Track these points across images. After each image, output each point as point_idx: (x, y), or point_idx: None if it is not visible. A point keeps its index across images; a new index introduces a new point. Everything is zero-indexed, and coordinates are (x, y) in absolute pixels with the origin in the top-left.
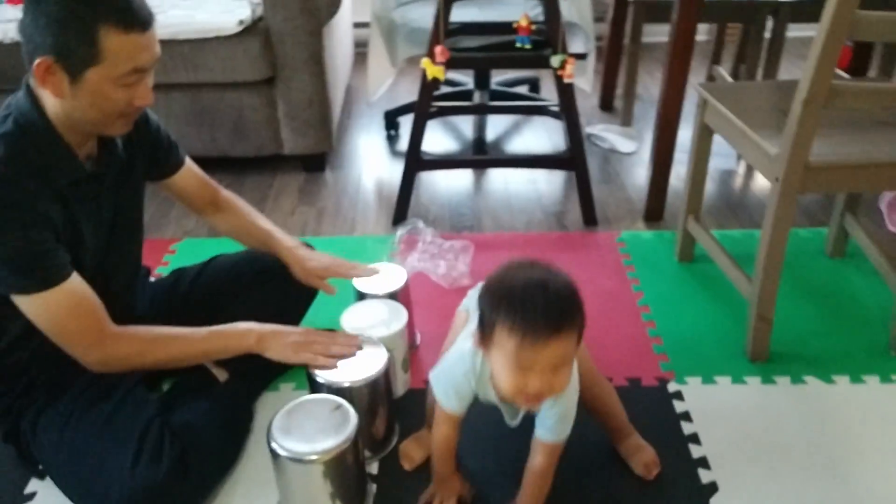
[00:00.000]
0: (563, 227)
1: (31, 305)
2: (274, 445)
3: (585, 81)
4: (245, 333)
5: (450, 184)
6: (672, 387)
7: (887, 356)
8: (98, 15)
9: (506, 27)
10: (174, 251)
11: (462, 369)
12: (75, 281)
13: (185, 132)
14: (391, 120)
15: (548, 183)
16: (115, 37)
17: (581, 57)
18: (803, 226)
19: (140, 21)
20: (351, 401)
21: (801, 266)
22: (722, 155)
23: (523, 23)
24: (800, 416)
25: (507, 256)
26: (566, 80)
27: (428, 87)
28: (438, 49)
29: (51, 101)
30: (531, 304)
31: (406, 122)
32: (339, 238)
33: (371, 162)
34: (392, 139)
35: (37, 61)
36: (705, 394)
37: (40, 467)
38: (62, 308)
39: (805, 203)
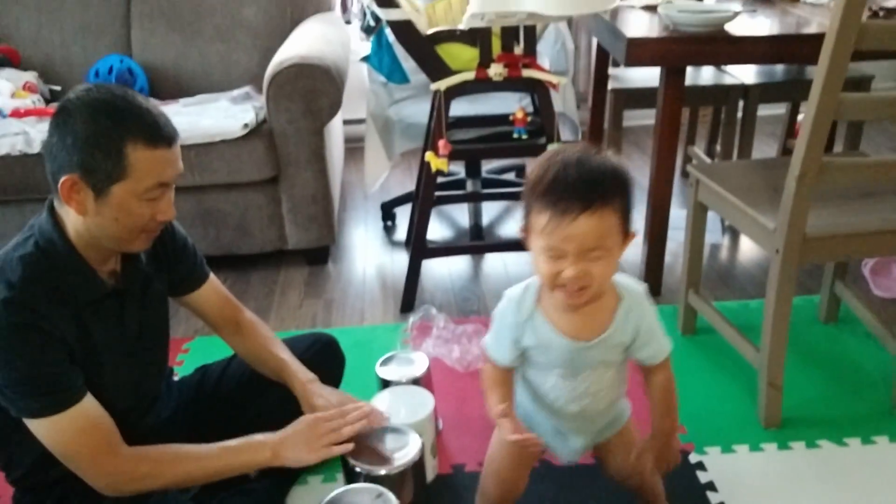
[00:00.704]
0: None
1: (40, 428)
2: None
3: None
4: (259, 448)
5: (451, 270)
6: (693, 457)
7: (893, 416)
8: (126, 131)
9: (497, 119)
10: (187, 350)
11: (511, 309)
12: (86, 403)
13: (190, 232)
14: (388, 211)
15: None
16: (141, 152)
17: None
18: (795, 294)
19: (166, 137)
20: (389, 489)
21: (798, 333)
22: (708, 230)
23: (520, 115)
24: (818, 480)
25: None
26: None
27: (431, 178)
28: (442, 142)
29: (72, 222)
30: (562, 178)
31: (401, 213)
32: (350, 328)
33: (372, 253)
34: (389, 230)
35: (62, 179)
36: (726, 463)
37: None
38: (72, 431)
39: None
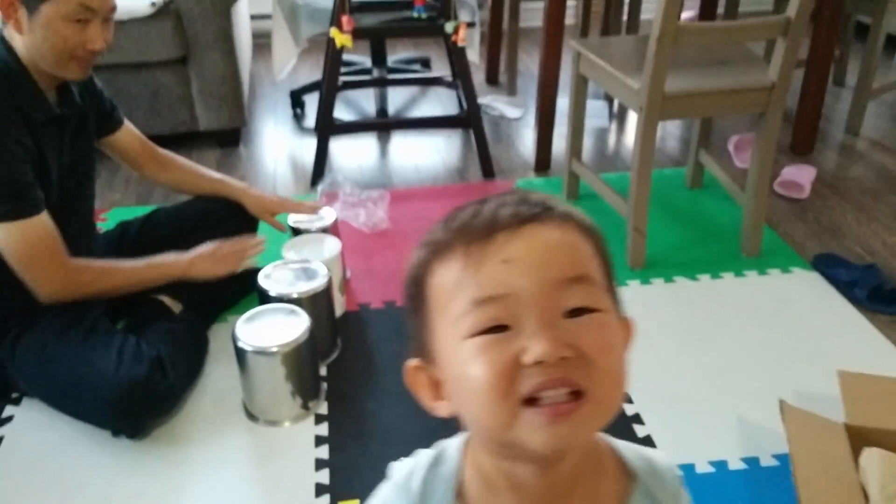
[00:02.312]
0: (465, 180)
1: (4, 233)
2: (240, 344)
3: (473, 53)
4: (176, 262)
5: (358, 152)
6: None
7: (740, 258)
8: None
9: (400, 4)
10: (105, 219)
11: None
12: (45, 217)
13: None
14: (297, 98)
15: (447, 146)
16: None
17: (470, 25)
18: (666, 167)
19: None
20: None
21: (666, 197)
22: (597, 116)
23: None
24: (673, 306)
25: (419, 206)
26: (460, 44)
27: (337, 55)
28: (345, 18)
29: (20, 45)
30: (481, 211)
31: (311, 101)
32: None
33: (282, 137)
34: (298, 117)
35: None
36: None
37: (13, 395)
38: (32, 238)
39: (668, 148)
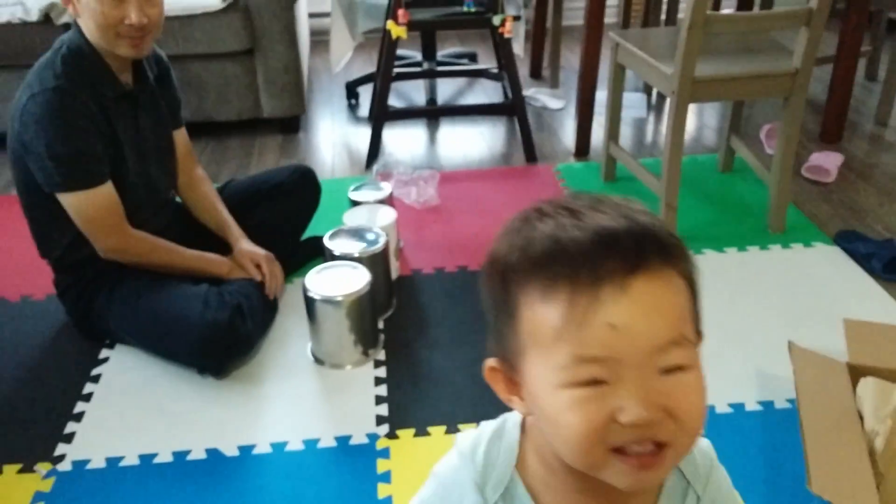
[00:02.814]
0: (509, 164)
1: (70, 201)
2: (310, 294)
3: (518, 46)
4: (221, 264)
5: (409, 139)
6: None
7: (765, 234)
8: None
9: (451, 0)
10: None
11: (462, 480)
12: (108, 187)
13: None
14: (352, 90)
15: (492, 133)
16: None
17: (516, 18)
18: (700, 153)
19: None
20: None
21: (699, 180)
22: (635, 107)
23: None
24: (704, 274)
25: (467, 186)
26: (506, 36)
27: (392, 45)
28: (401, 12)
29: (84, 29)
30: (566, 236)
31: (365, 92)
32: (323, 180)
33: (338, 125)
34: (353, 107)
35: None
36: None
37: (107, 341)
38: (95, 206)
39: (702, 137)
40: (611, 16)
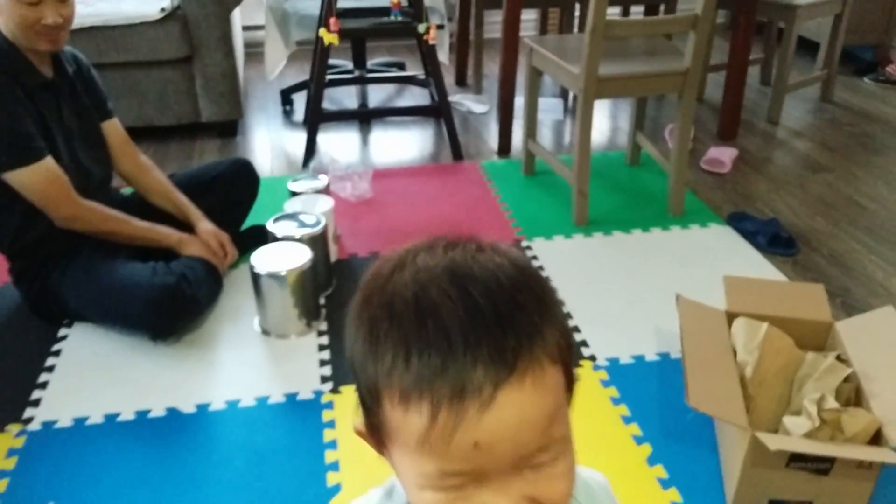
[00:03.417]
0: (437, 162)
1: (18, 178)
2: (255, 270)
3: (443, 54)
4: (171, 235)
5: (342, 142)
6: (524, 243)
7: (667, 217)
8: None
9: (379, 11)
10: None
11: None
12: (51, 161)
13: (116, 105)
14: (286, 97)
15: (421, 136)
16: None
17: (439, 27)
18: (610, 150)
19: None
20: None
21: (609, 173)
22: (553, 111)
23: (395, 0)
24: (610, 252)
25: (399, 181)
26: (431, 42)
27: (325, 52)
28: (332, 20)
29: (3, 26)
30: (434, 311)
31: (299, 99)
32: (264, 179)
33: (274, 129)
34: (288, 113)
35: None
36: (546, 245)
37: (65, 321)
38: (42, 179)
39: (614, 136)
40: (530, 29)
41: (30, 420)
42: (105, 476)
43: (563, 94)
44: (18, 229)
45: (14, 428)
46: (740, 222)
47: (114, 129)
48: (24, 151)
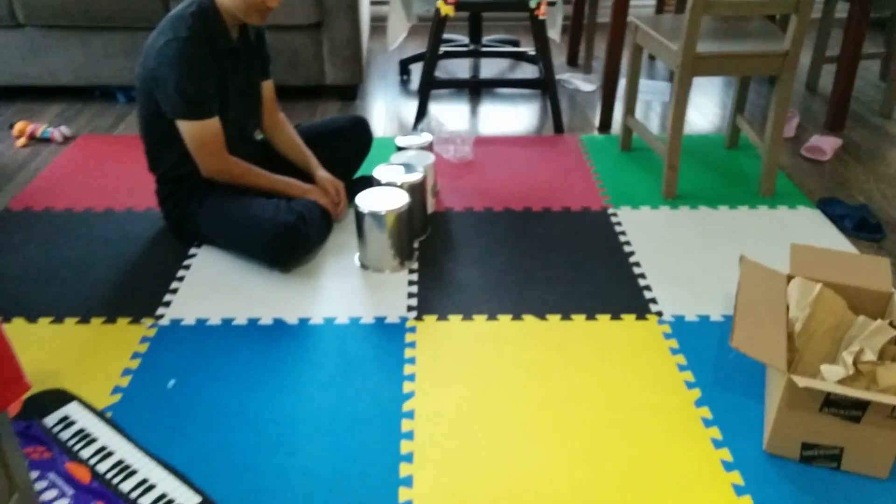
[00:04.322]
0: (539, 134)
1: (186, 128)
2: (359, 209)
3: (554, 32)
4: (297, 185)
5: (452, 111)
6: (610, 211)
7: (756, 197)
8: None
9: None
10: None
11: None
12: (217, 120)
13: None
14: (405, 67)
15: (527, 110)
16: None
17: (551, 3)
18: (711, 133)
19: None
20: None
21: (704, 153)
22: (660, 93)
23: None
24: (694, 224)
25: (499, 147)
26: (540, 17)
27: (441, 22)
28: None
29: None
30: None
31: (416, 70)
32: (377, 138)
33: (391, 96)
34: (405, 82)
35: None
36: (632, 214)
37: (196, 243)
38: (206, 133)
39: (711, 116)
40: (648, 12)
41: (161, 317)
42: (218, 366)
43: (671, 77)
44: (174, 163)
45: (148, 321)
46: (829, 206)
47: (268, 88)
48: (198, 108)
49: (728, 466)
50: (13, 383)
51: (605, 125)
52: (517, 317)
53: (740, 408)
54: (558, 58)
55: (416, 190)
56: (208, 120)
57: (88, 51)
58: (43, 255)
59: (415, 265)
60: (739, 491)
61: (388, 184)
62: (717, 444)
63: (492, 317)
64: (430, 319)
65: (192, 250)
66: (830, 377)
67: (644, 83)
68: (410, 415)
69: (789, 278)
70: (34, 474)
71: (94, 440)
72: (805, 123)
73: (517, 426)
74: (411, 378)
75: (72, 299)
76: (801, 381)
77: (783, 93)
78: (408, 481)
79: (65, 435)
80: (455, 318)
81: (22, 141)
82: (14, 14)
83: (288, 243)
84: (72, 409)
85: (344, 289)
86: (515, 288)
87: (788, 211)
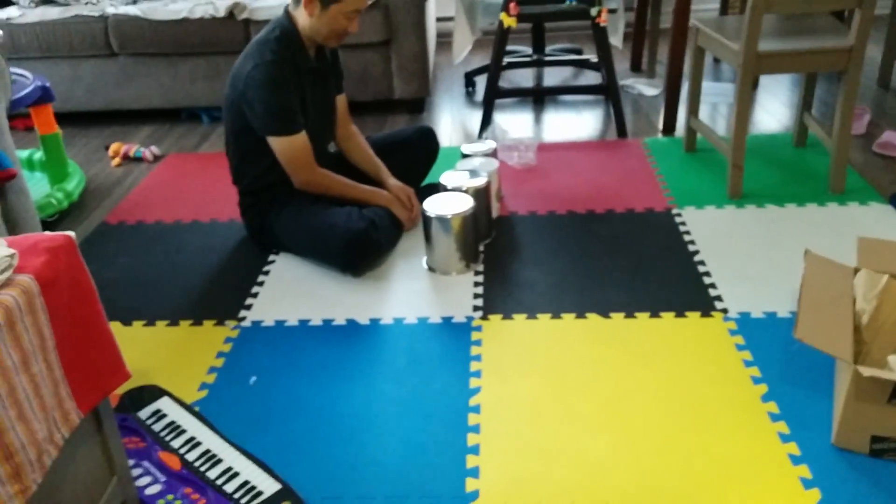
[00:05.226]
0: (603, 139)
1: (277, 144)
2: (427, 213)
3: (616, 39)
4: (382, 195)
5: (516, 120)
6: (675, 211)
7: (825, 194)
8: None
9: None
10: None
11: None
12: (304, 135)
13: None
14: (470, 79)
15: (590, 116)
16: None
17: (612, 11)
18: (778, 132)
19: None
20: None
21: (772, 152)
22: (725, 95)
23: None
24: (760, 223)
25: (563, 153)
26: (601, 25)
27: (504, 33)
28: (512, 4)
29: (300, 21)
30: None
31: (481, 82)
32: (444, 148)
33: (456, 107)
34: (470, 94)
35: None
36: (696, 214)
37: (274, 250)
38: (296, 148)
39: (779, 115)
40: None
41: (243, 319)
42: (296, 363)
43: None
44: (258, 175)
45: (231, 323)
46: None
47: (342, 102)
48: (287, 124)
49: (795, 460)
50: (116, 372)
51: (669, 128)
52: (581, 315)
53: (808, 402)
54: (622, 64)
55: (481, 194)
56: (297, 135)
57: (175, 76)
58: (136, 264)
59: (480, 267)
60: (808, 484)
61: (453, 189)
62: (785, 439)
63: (555, 315)
64: (495, 318)
65: (271, 257)
66: None
67: (710, 85)
68: (477, 409)
69: (856, 271)
70: (130, 462)
71: (183, 431)
72: (877, 120)
73: (581, 420)
74: (477, 374)
75: (162, 304)
76: (867, 371)
77: (850, 88)
78: (474, 472)
79: (157, 427)
80: (520, 317)
81: (117, 161)
82: (109, 44)
83: (359, 249)
84: (163, 404)
85: (412, 291)
86: (579, 287)
87: (859, 207)
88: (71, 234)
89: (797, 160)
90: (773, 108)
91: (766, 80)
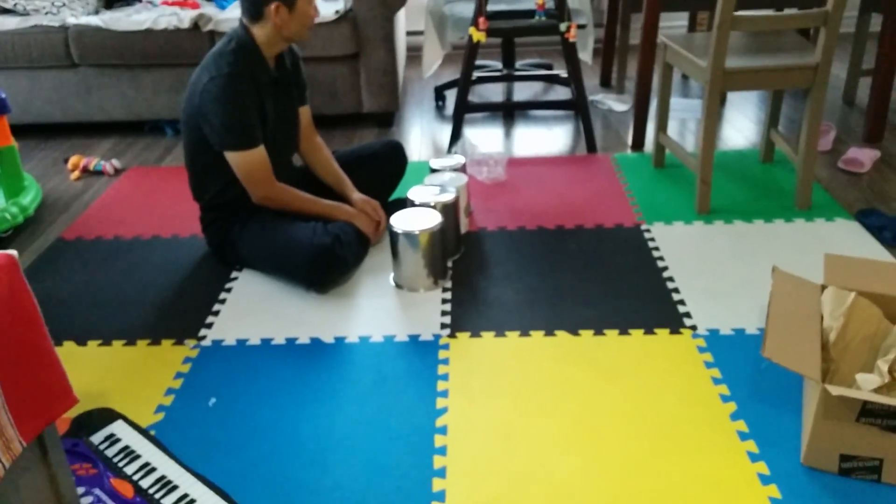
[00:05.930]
0: (572, 154)
1: (234, 158)
2: (393, 229)
3: (586, 55)
4: (344, 210)
5: (485, 134)
6: (644, 227)
7: (792, 210)
8: None
9: (526, 13)
10: None
11: None
12: (262, 149)
13: None
14: (440, 93)
15: (560, 131)
16: None
17: (581, 27)
18: (746, 148)
19: None
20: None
21: (739, 168)
22: (693, 111)
23: (540, 2)
24: (728, 239)
25: (532, 168)
26: (571, 40)
27: (474, 48)
28: (481, 19)
29: (257, 32)
30: None
31: (451, 96)
32: (412, 162)
33: (426, 121)
34: (440, 108)
35: (272, 6)
36: (665, 230)
37: (237, 266)
38: (254, 162)
39: (746, 131)
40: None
41: (203, 337)
42: (258, 384)
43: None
44: (219, 191)
45: (191, 342)
46: (868, 217)
47: (305, 113)
48: (244, 139)
49: (765, 480)
50: (62, 397)
51: (638, 143)
52: (550, 332)
53: (777, 421)
54: (592, 79)
55: (449, 210)
56: (254, 149)
57: (138, 87)
58: (93, 281)
59: (448, 284)
60: None
61: (421, 204)
62: (754, 458)
63: (524, 333)
64: (463, 336)
65: (234, 274)
66: (866, 386)
67: (677, 101)
68: (444, 430)
69: (823, 288)
70: (81, 490)
71: (137, 457)
72: (843, 136)
73: (550, 441)
74: (444, 394)
75: (119, 322)
76: (835, 390)
77: (815, 105)
78: (441, 496)
79: (110, 452)
80: (488, 335)
81: (76, 174)
82: (70, 55)
83: (324, 265)
84: (117, 427)
85: (379, 308)
86: (548, 304)
87: (825, 223)
88: (13, 252)
89: (764, 176)
90: (741, 125)
91: (733, 97)
